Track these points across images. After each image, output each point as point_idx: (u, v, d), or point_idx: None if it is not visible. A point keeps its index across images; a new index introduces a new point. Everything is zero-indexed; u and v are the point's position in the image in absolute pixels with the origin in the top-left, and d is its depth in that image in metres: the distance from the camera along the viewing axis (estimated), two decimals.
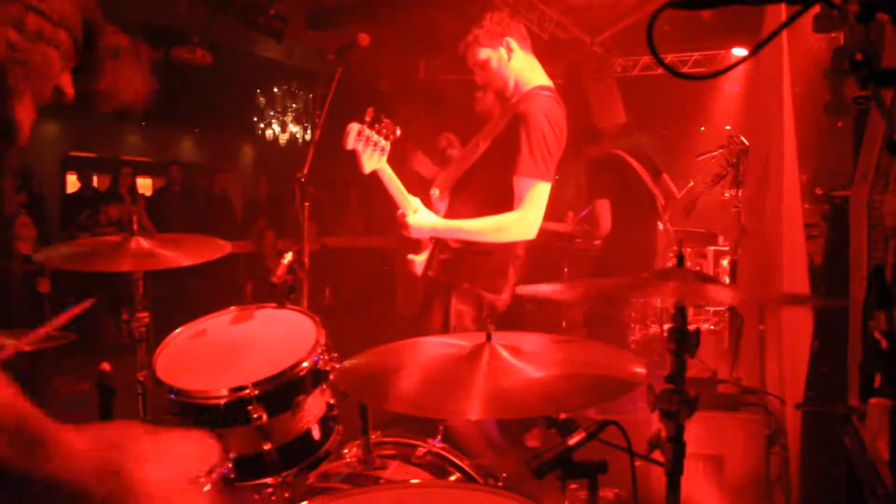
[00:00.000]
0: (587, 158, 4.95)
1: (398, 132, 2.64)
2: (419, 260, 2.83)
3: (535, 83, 2.80)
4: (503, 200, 2.66)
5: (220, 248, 2.19)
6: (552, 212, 4.90)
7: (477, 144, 2.87)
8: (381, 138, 2.59)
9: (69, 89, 1.26)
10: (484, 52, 2.78)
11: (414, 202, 2.74)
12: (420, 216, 2.73)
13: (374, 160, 2.60)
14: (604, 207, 4.65)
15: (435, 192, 2.93)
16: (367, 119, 2.57)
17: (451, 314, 2.74)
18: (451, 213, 2.84)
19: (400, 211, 2.75)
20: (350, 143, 2.55)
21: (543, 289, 1.53)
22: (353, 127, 2.55)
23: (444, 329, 2.75)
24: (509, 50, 2.78)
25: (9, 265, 5.00)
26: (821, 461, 2.65)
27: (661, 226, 5.07)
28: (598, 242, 5.24)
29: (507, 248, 2.78)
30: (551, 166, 2.68)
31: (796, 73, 3.19)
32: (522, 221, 2.65)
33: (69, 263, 2.27)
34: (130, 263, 2.07)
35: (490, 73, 2.80)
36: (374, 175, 2.66)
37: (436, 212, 2.84)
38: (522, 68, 2.81)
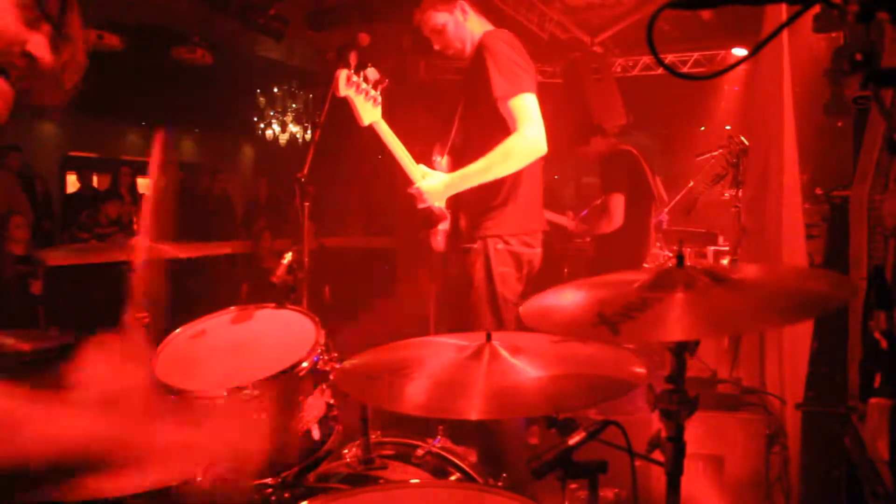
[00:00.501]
0: (596, 153, 4.90)
1: (386, 82, 2.62)
2: (442, 229, 2.82)
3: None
4: (499, 133, 2.65)
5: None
6: (553, 210, 4.95)
7: (460, 106, 2.90)
8: (371, 87, 2.57)
9: (42, 52, 1.01)
10: (441, 17, 2.81)
11: (420, 168, 2.74)
12: (430, 180, 2.73)
13: (370, 109, 2.58)
14: (618, 202, 4.58)
15: (437, 157, 2.93)
16: (353, 63, 2.54)
17: (495, 280, 2.71)
18: (455, 169, 2.83)
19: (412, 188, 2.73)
20: (341, 90, 2.52)
21: (547, 301, 1.50)
22: (342, 72, 2.52)
23: (493, 297, 2.71)
24: (464, 12, 2.82)
25: (1, 267, 4.98)
26: (821, 461, 2.64)
27: (663, 221, 5.06)
28: (588, 240, 5.22)
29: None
30: (526, 79, 2.68)
31: (796, 73, 3.18)
32: (523, 137, 2.62)
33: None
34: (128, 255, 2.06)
35: (447, 38, 2.84)
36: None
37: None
38: (476, 28, 2.85)
